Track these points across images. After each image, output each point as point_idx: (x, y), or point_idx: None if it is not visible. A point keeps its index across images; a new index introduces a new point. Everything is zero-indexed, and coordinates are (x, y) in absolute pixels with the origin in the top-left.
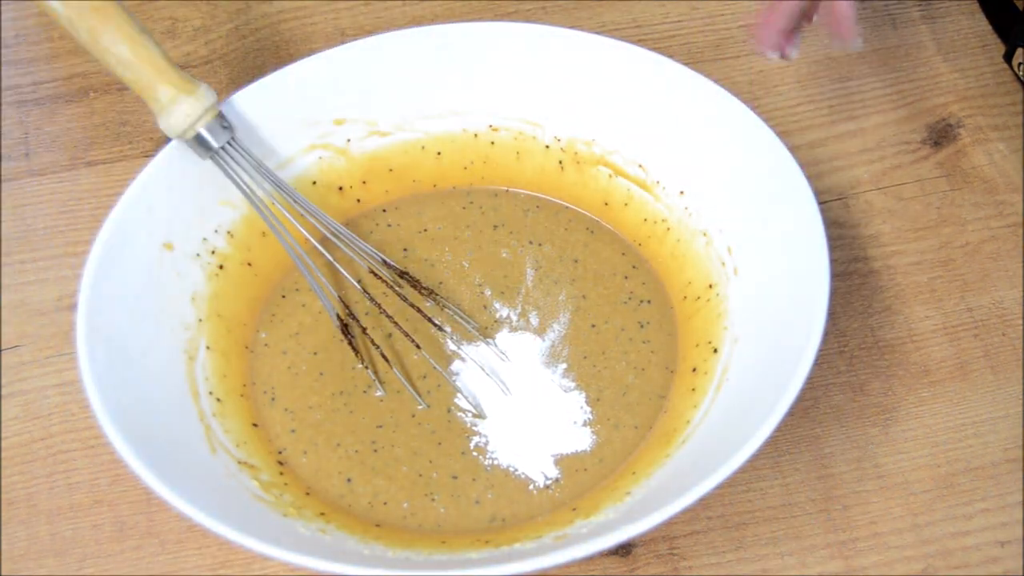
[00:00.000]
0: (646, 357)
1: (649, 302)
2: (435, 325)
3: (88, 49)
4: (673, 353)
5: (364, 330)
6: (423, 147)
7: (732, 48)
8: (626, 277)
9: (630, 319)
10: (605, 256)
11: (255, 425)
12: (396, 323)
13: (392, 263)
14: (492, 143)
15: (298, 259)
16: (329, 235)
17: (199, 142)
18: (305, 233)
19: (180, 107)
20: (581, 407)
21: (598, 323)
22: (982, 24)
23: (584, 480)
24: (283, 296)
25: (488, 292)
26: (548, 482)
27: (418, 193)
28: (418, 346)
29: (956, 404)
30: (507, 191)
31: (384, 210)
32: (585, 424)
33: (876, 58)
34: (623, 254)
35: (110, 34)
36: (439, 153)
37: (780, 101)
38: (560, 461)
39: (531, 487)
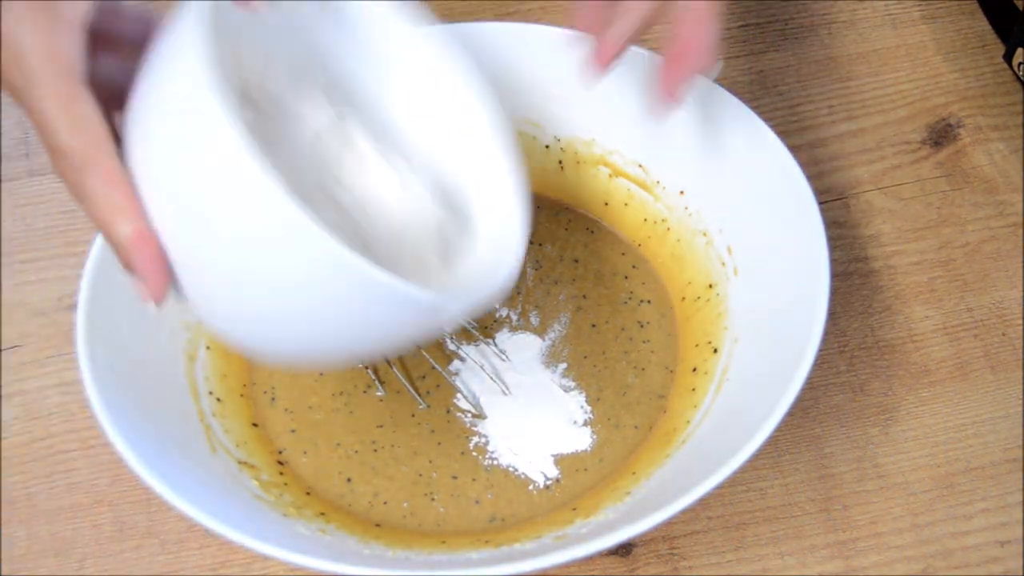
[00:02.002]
0: (646, 357)
1: (649, 302)
2: None
3: None
4: (673, 353)
5: None
6: None
7: (732, 48)
8: (626, 277)
9: (630, 319)
10: (605, 256)
11: (255, 425)
12: None
13: None
14: None
15: None
16: None
17: None
18: None
19: None
20: (581, 407)
21: (598, 323)
22: (982, 24)
23: (584, 480)
24: None
25: None
26: (548, 482)
27: None
28: (418, 346)
29: (956, 404)
30: None
31: None
32: (585, 424)
33: (876, 58)
34: (623, 254)
35: None
36: None
37: (780, 101)
38: (560, 461)
39: (531, 487)
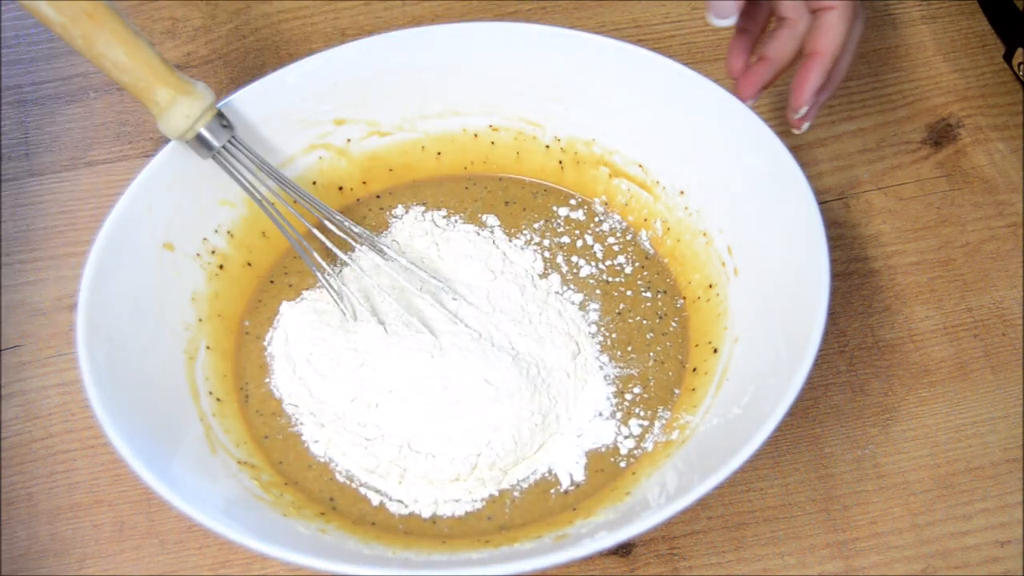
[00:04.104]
0: (665, 350)
1: (664, 292)
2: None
3: (83, 54)
4: (686, 348)
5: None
6: (423, 147)
7: None
8: (641, 266)
9: (650, 310)
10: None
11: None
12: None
13: (409, 258)
14: (492, 143)
15: (304, 254)
16: (340, 232)
17: (200, 142)
18: (311, 228)
19: (179, 108)
20: (607, 398)
21: (623, 311)
22: (982, 24)
23: (596, 481)
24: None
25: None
26: (570, 487)
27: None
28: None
29: (956, 404)
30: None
31: (382, 208)
32: (611, 416)
33: (876, 58)
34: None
35: (105, 38)
36: (439, 153)
37: (780, 101)
38: (590, 458)
39: (552, 491)
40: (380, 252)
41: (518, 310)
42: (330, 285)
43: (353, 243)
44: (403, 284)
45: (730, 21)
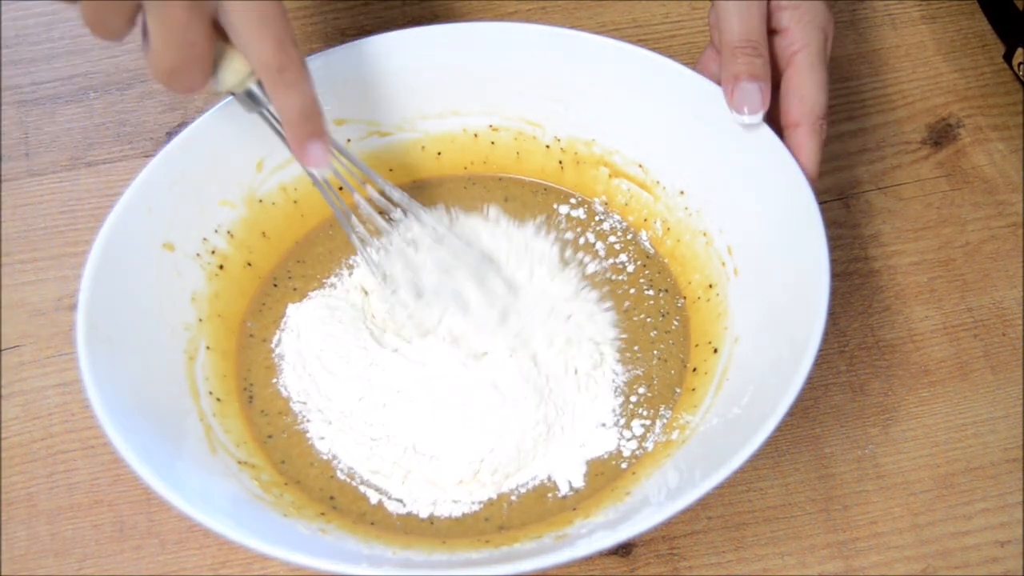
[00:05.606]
0: (668, 349)
1: (666, 291)
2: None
3: None
4: (687, 347)
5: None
6: (423, 147)
7: None
8: (644, 265)
9: (653, 308)
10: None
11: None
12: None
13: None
14: (492, 143)
15: (341, 216)
16: (383, 202)
17: (250, 96)
18: (354, 194)
19: (232, 63)
20: (612, 410)
21: (629, 309)
22: (982, 24)
23: (596, 484)
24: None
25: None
26: (569, 492)
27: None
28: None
29: (956, 404)
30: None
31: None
32: (614, 425)
33: (876, 58)
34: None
35: None
36: (439, 153)
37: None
38: (591, 467)
39: (549, 495)
40: (433, 231)
41: (547, 311)
42: (370, 257)
43: (386, 223)
44: (449, 263)
45: (758, 118)
